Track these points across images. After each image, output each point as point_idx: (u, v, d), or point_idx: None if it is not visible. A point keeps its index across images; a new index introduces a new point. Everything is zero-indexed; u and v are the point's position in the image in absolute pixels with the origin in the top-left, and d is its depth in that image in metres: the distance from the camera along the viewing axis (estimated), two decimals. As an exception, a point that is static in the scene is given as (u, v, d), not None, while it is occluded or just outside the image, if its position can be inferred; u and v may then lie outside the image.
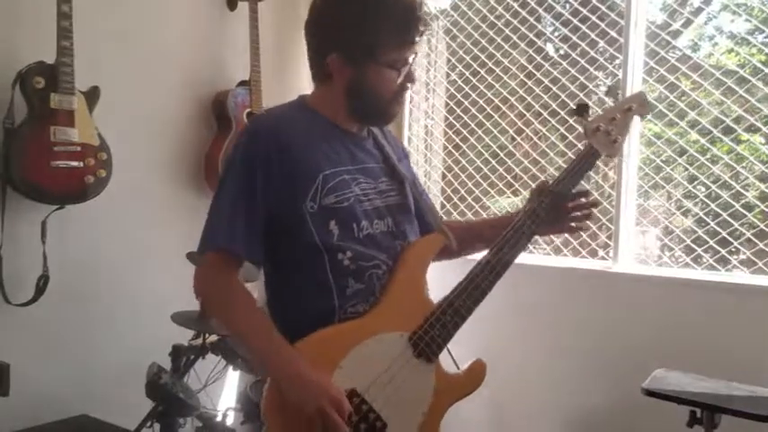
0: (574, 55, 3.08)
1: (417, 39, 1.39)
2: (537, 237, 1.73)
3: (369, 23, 1.35)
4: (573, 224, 1.57)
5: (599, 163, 3.08)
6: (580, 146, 3.05)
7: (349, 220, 1.37)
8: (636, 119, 1.66)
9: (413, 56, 1.41)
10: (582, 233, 3.02)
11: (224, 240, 1.35)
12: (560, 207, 1.52)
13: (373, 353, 1.34)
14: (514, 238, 1.47)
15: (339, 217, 1.36)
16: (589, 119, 1.56)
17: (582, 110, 1.58)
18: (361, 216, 1.39)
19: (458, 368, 1.52)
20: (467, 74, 3.35)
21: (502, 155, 3.26)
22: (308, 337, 1.32)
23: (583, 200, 1.55)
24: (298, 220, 1.34)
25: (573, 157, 3.07)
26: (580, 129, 1.63)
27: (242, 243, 1.34)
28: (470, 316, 1.42)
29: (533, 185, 1.57)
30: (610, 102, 1.53)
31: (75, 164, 2.30)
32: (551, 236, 1.72)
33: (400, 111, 1.50)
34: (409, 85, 1.43)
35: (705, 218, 2.69)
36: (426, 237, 1.53)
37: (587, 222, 1.59)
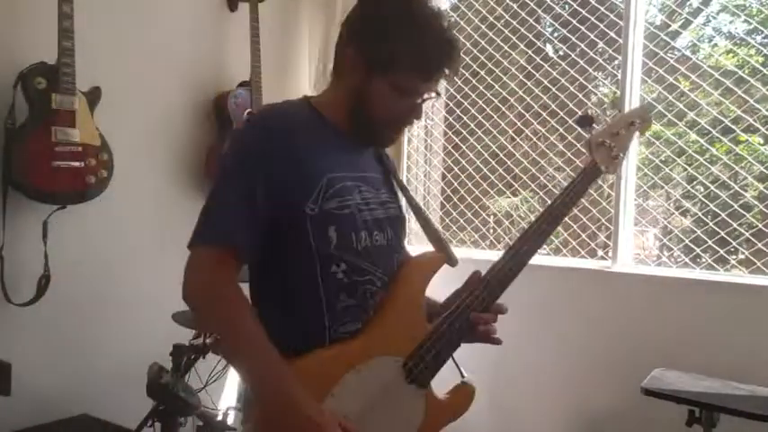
0: (573, 56, 3.09)
1: (437, 78, 1.31)
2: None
3: (399, 36, 1.27)
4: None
5: (598, 163, 3.10)
6: (579, 146, 3.07)
7: (348, 229, 1.28)
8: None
9: (427, 94, 1.32)
10: (581, 233, 3.05)
11: (230, 236, 1.22)
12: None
13: (366, 379, 1.26)
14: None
15: (339, 224, 1.27)
16: (593, 132, 1.48)
17: (586, 122, 1.49)
18: (360, 226, 1.30)
19: (462, 376, 1.47)
20: (466, 74, 3.36)
21: (501, 155, 3.27)
22: (300, 361, 1.21)
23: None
24: (296, 222, 1.24)
25: (571, 157, 3.11)
26: (583, 141, 1.53)
27: (247, 241, 1.23)
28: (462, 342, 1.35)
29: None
30: (607, 112, 1.43)
31: (76, 164, 2.31)
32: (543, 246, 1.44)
33: (396, 140, 1.42)
34: (414, 120, 1.35)
35: (704, 218, 2.70)
36: (427, 253, 1.43)
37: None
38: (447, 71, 1.30)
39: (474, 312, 1.35)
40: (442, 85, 1.60)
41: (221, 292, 1.22)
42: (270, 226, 1.25)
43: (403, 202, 1.51)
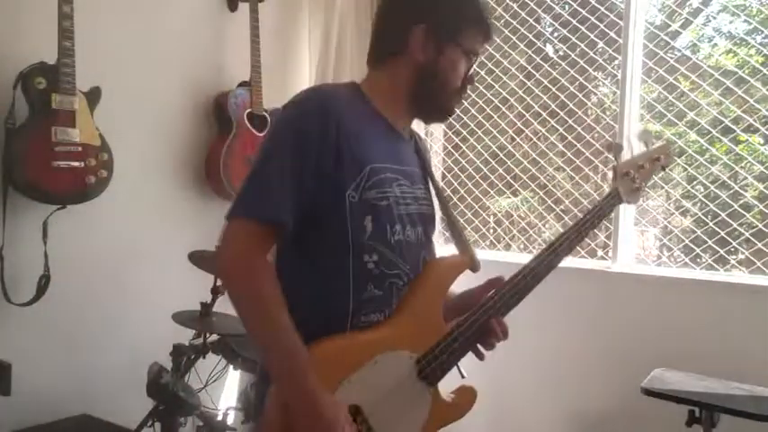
0: (573, 56, 3.09)
1: (492, 35, 1.42)
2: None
3: (462, 3, 1.37)
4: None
5: (598, 163, 3.10)
6: (579, 146, 3.07)
7: (384, 221, 1.29)
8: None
9: (477, 57, 1.43)
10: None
11: (275, 214, 1.21)
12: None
13: (381, 370, 1.28)
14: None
15: (376, 215, 1.28)
16: (619, 161, 1.51)
17: (616, 150, 1.53)
18: (396, 219, 1.32)
19: (462, 376, 1.52)
20: (466, 74, 3.36)
21: (501, 155, 3.27)
22: (322, 344, 1.22)
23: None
24: (336, 207, 1.25)
25: (572, 157, 3.11)
26: (609, 170, 1.60)
27: (290, 221, 1.22)
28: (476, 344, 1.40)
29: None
30: (633, 143, 1.49)
31: (76, 164, 2.31)
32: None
33: (455, 111, 1.48)
34: (469, 85, 1.42)
35: (704, 218, 2.70)
36: (452, 257, 1.46)
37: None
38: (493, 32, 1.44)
39: (495, 322, 1.39)
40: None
41: (256, 267, 1.21)
42: (309, 208, 1.25)
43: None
